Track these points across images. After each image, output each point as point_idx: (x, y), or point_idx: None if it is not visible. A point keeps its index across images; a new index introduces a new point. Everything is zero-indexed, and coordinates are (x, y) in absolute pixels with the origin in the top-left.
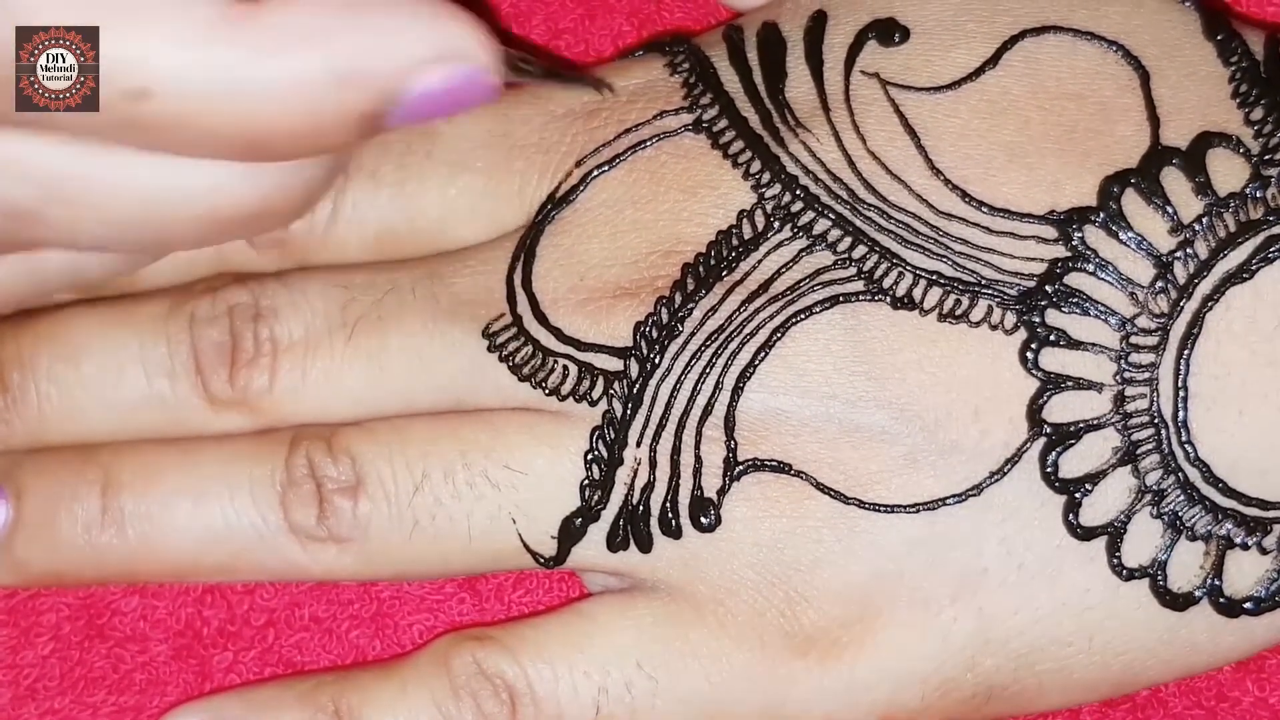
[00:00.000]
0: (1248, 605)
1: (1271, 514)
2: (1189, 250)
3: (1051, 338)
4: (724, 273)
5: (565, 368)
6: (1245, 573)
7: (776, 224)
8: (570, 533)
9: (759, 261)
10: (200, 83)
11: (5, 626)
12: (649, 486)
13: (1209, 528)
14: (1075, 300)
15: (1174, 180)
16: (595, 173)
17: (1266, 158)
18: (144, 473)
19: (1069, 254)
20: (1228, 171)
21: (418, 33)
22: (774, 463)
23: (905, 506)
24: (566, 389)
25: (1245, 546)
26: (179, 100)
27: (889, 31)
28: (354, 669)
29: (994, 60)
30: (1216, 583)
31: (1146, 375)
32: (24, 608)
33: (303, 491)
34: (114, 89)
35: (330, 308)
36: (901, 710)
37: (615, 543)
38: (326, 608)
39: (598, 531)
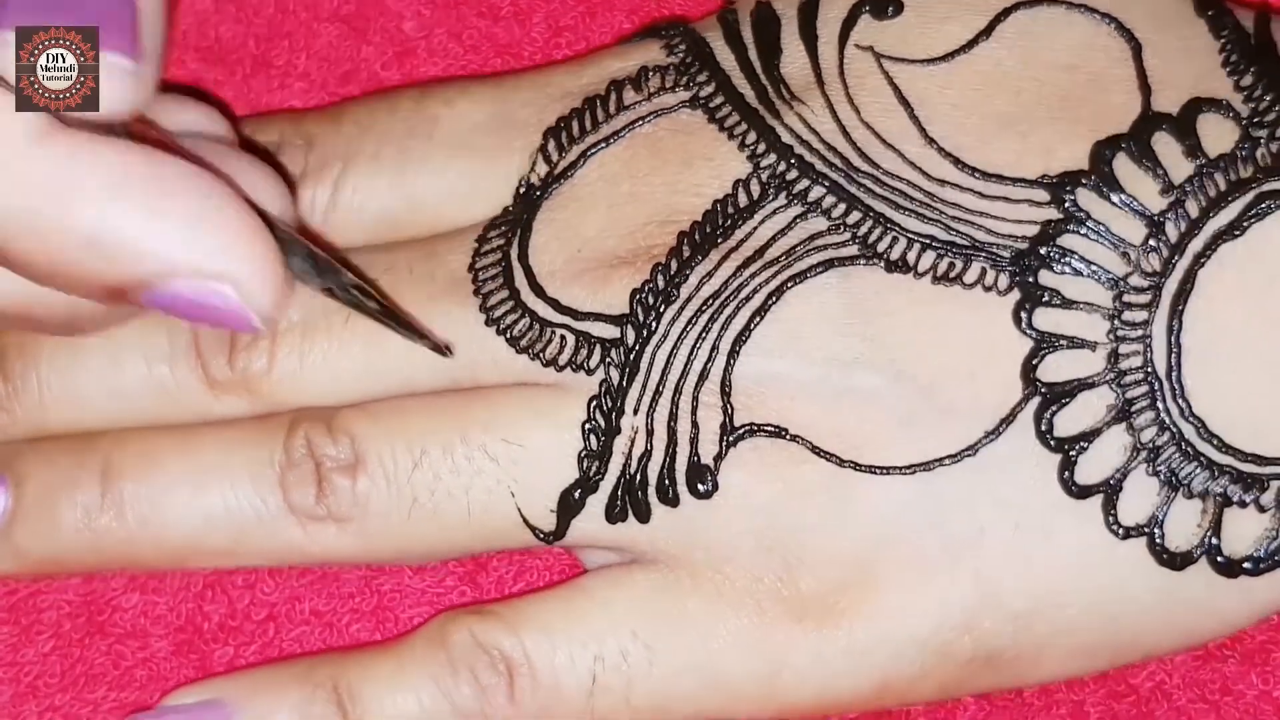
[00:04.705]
0: (1246, 565)
1: (1268, 470)
2: (1180, 210)
3: (1045, 297)
4: (720, 239)
5: (563, 338)
6: (1244, 532)
7: (772, 192)
8: (569, 505)
9: (755, 228)
10: None
11: (6, 624)
12: (646, 455)
13: (1205, 484)
14: (1068, 260)
15: (1165, 144)
16: (593, 149)
17: (1256, 120)
18: (143, 458)
19: (1061, 216)
20: (1218, 134)
21: (195, 241)
22: (770, 427)
23: (901, 468)
24: (564, 359)
25: (1243, 504)
26: None
27: (882, 5)
28: (353, 649)
29: (987, 32)
30: (1215, 541)
31: (1140, 333)
32: (24, 605)
33: (302, 472)
34: None
35: None
36: (900, 676)
37: (614, 513)
38: (327, 601)
39: (596, 504)
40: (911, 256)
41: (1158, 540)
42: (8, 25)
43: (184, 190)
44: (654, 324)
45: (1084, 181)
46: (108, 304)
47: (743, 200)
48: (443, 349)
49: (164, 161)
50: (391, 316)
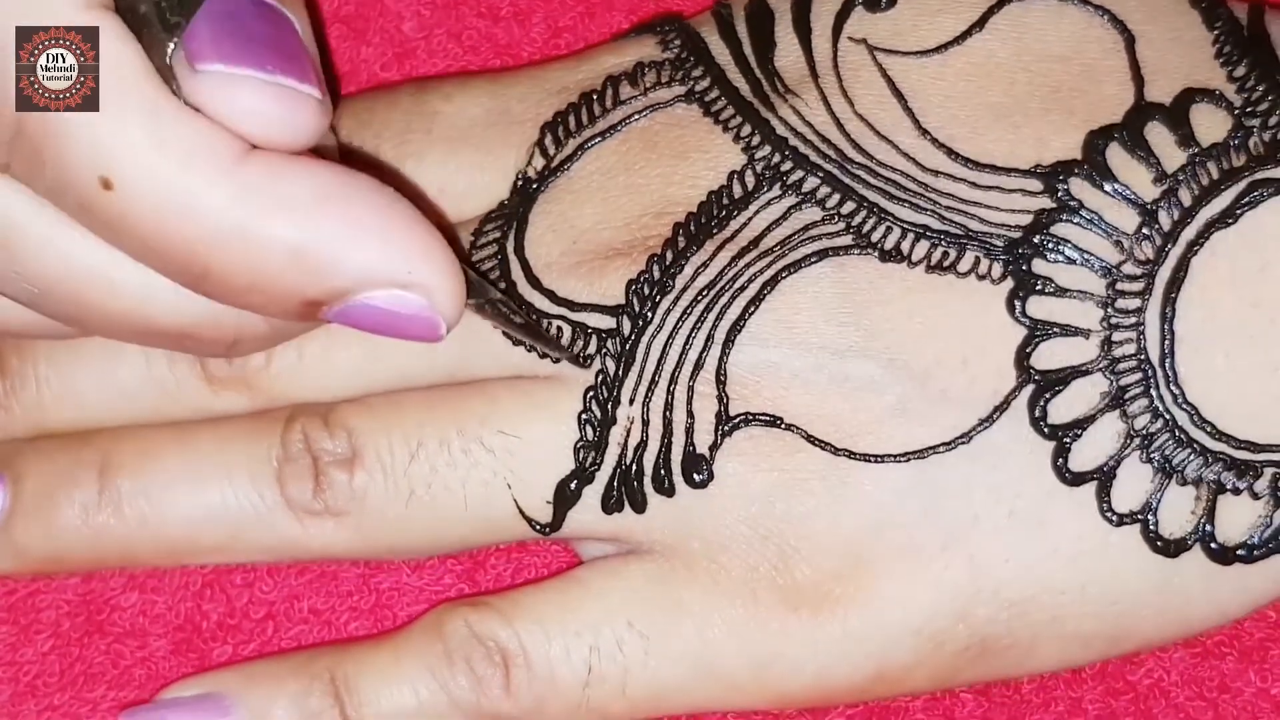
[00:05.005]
0: (1240, 552)
1: (1261, 456)
2: (1173, 198)
3: (1038, 286)
4: (715, 230)
5: (559, 329)
6: (1238, 520)
7: (766, 183)
8: (565, 496)
9: (749, 219)
10: (161, 196)
11: (4, 624)
12: (642, 445)
13: (1199, 471)
14: (1061, 249)
15: (1158, 134)
16: (589, 144)
17: (1249, 110)
18: (141, 455)
19: (1055, 205)
20: (1211, 124)
21: (392, 251)
22: (765, 416)
23: (895, 456)
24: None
25: (1236, 491)
26: (136, 203)
27: None
28: (350, 642)
29: (980, 24)
30: (1209, 528)
31: (1133, 320)
32: (23, 605)
33: (299, 466)
34: (83, 166)
35: None
36: (895, 664)
37: (610, 504)
38: (325, 600)
39: (592, 495)
40: (905, 246)
41: (1152, 527)
42: (198, 59)
43: (375, 203)
44: (650, 314)
45: (1077, 171)
46: (296, 319)
47: (737, 191)
48: (581, 361)
49: (353, 176)
50: (533, 331)
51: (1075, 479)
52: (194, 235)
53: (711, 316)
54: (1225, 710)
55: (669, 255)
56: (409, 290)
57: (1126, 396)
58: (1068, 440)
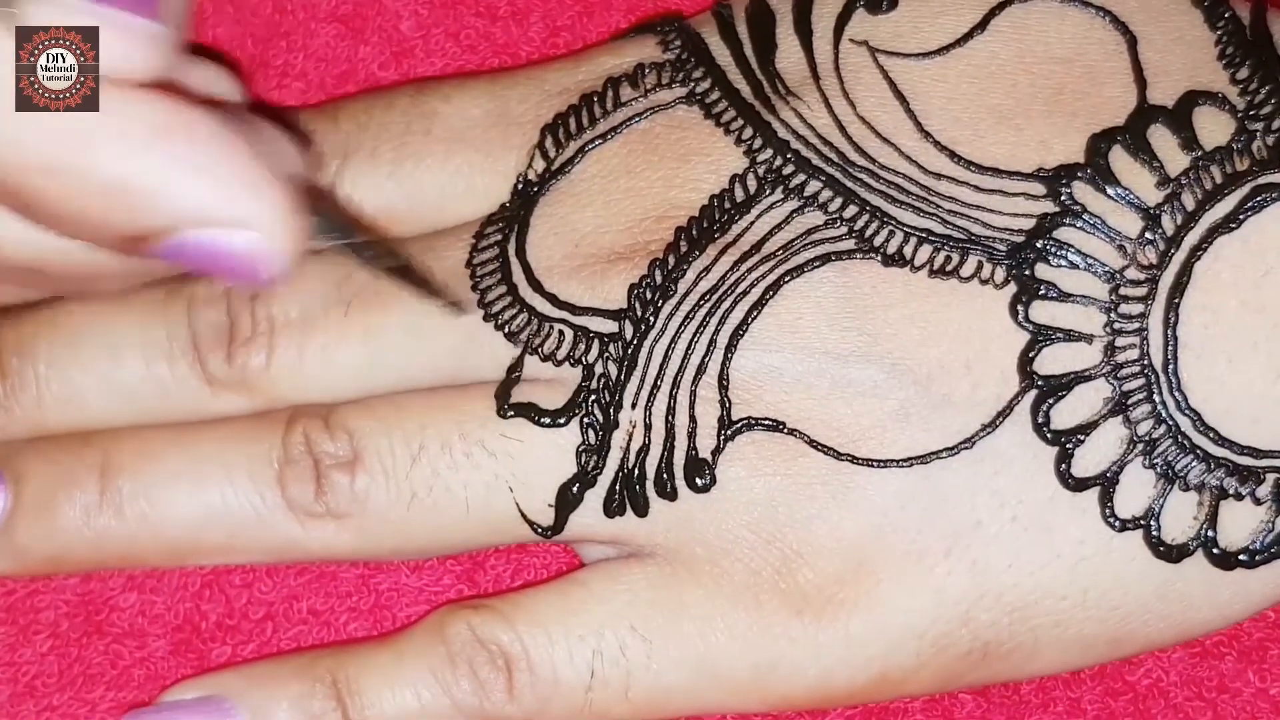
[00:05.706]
0: (1242, 558)
1: (1264, 462)
2: (1176, 203)
3: (1041, 290)
4: (717, 234)
5: (560, 332)
6: (1240, 525)
7: (768, 187)
8: (567, 500)
9: (751, 223)
10: None
11: (3, 624)
12: (644, 449)
13: (1202, 477)
14: (1064, 254)
15: (1161, 137)
16: (590, 146)
17: (1252, 113)
18: (142, 455)
19: (1057, 209)
20: (1214, 127)
21: (217, 190)
22: (768, 421)
23: (898, 461)
24: (562, 354)
25: (1239, 496)
26: None
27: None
28: (352, 644)
29: (982, 26)
30: (1211, 534)
31: (1136, 326)
32: (22, 605)
33: (300, 468)
34: None
35: (326, 285)
36: (897, 668)
37: (612, 508)
38: (325, 600)
39: (594, 498)
40: (908, 250)
41: (1154, 532)
42: None
43: (202, 140)
44: (652, 319)
45: (1080, 174)
46: (125, 253)
47: (739, 195)
48: (458, 307)
49: (183, 112)
50: (408, 274)
51: (1078, 484)
52: (17, 162)
53: (714, 321)
54: (1224, 710)
55: (671, 259)
56: (235, 230)
57: (1129, 402)
58: (1070, 446)
